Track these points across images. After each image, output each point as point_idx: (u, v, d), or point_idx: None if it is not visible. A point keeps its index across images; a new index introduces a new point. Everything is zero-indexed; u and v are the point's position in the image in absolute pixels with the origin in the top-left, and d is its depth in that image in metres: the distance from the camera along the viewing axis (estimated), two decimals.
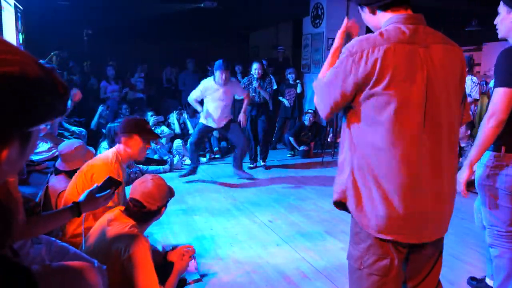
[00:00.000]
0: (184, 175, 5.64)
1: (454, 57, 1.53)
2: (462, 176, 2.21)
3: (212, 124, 5.45)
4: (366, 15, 1.61)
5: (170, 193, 2.34)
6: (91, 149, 4.10)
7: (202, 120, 5.52)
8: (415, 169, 1.47)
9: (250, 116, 6.41)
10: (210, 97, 5.36)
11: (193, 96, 5.45)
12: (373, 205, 1.51)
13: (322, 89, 1.59)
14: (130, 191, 2.28)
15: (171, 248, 2.76)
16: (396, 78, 1.41)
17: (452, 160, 1.57)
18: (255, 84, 6.23)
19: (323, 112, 1.60)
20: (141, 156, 2.76)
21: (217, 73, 5.24)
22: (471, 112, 5.97)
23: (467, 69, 6.14)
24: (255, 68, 6.23)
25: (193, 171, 5.68)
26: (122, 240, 2.03)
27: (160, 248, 2.91)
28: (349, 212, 1.62)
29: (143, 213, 2.20)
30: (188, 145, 5.77)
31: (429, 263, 1.71)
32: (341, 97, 1.50)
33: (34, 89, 0.62)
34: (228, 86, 5.35)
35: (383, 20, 1.54)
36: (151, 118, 6.65)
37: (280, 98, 7.71)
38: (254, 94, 6.30)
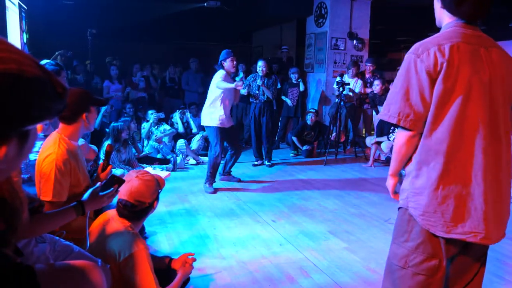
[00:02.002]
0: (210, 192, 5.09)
1: (508, 62, 1.61)
2: None
3: (224, 124, 5.01)
4: (436, 5, 1.70)
5: (159, 185, 2.23)
6: (93, 147, 4.12)
7: (216, 123, 4.96)
8: (477, 167, 1.52)
9: (254, 115, 6.40)
10: (226, 93, 5.00)
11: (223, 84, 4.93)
12: (437, 206, 1.55)
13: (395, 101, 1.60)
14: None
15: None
16: (463, 71, 1.50)
17: (509, 159, 1.61)
18: (259, 81, 6.20)
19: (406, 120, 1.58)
20: (93, 127, 2.58)
21: (228, 62, 4.97)
22: None
23: None
24: (259, 65, 6.23)
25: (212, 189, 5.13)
26: (118, 243, 1.99)
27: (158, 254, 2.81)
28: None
29: (135, 212, 2.12)
30: (213, 158, 5.06)
31: (472, 270, 1.71)
32: (421, 98, 1.54)
33: (32, 88, 0.62)
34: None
35: (444, 20, 1.65)
36: (151, 116, 6.67)
37: (283, 97, 7.72)
38: (257, 92, 6.29)
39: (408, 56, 1.59)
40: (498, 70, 1.55)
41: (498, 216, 1.57)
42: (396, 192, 1.80)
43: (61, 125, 2.42)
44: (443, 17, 1.66)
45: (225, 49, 5.08)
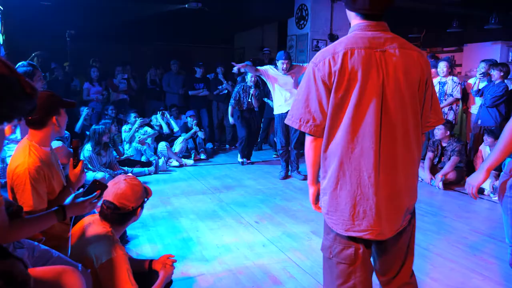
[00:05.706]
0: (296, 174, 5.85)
1: (412, 62, 1.61)
2: (477, 179, 2.02)
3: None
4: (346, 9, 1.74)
5: (146, 193, 2.23)
6: (72, 150, 4.04)
7: (278, 110, 5.61)
8: (370, 168, 1.58)
9: (243, 117, 6.66)
10: (278, 85, 5.56)
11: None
12: (337, 205, 1.66)
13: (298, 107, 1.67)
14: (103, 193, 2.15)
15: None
16: (354, 78, 1.54)
17: (408, 158, 1.64)
18: (251, 92, 6.49)
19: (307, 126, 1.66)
20: (64, 131, 2.46)
21: (279, 63, 5.47)
22: (453, 111, 6.09)
23: (435, 71, 6.14)
24: (251, 76, 6.38)
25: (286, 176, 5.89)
26: (96, 247, 1.97)
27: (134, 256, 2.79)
28: None
29: (118, 215, 2.10)
30: (279, 151, 5.87)
31: (399, 256, 1.79)
32: (319, 106, 1.61)
33: None
34: (290, 73, 5.57)
35: (351, 22, 1.68)
36: (136, 120, 6.59)
37: (265, 99, 7.74)
38: (249, 100, 6.55)
39: (309, 65, 1.65)
40: (393, 72, 1.56)
41: (392, 213, 1.64)
42: (318, 202, 1.82)
43: (30, 131, 2.28)
44: (350, 18, 1.68)
45: (281, 51, 5.59)
